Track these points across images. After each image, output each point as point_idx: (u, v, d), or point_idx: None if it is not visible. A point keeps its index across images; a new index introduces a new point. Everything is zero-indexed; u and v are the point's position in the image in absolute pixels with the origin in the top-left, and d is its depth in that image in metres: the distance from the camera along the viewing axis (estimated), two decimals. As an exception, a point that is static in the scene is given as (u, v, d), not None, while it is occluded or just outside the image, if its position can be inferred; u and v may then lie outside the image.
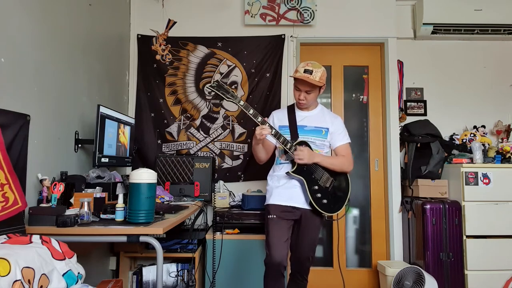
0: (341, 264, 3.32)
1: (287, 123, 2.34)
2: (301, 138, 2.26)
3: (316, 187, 2.22)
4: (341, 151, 2.36)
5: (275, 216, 2.22)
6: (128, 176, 2.02)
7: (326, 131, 2.33)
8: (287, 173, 2.23)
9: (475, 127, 3.41)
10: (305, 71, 2.17)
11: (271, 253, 2.13)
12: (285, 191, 2.26)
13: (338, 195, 2.31)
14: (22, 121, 1.72)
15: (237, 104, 2.16)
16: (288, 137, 2.26)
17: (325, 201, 2.23)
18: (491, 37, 3.47)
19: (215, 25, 3.35)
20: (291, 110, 2.39)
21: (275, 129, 2.19)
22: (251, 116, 2.17)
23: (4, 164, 1.48)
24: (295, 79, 2.24)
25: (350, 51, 3.49)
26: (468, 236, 2.88)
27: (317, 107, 2.40)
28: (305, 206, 2.24)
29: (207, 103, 3.28)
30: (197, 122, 3.28)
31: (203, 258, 2.80)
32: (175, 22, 3.24)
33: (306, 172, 2.22)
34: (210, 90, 2.15)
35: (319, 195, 2.22)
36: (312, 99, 2.27)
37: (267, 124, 2.15)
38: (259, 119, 2.17)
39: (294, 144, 2.20)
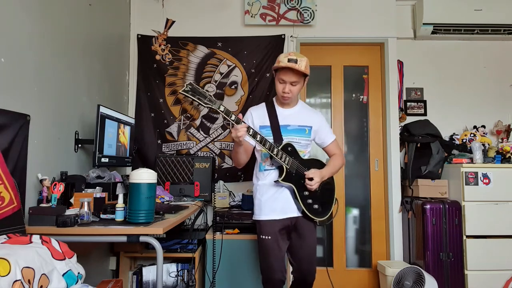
0: (341, 264, 3.33)
1: (268, 123, 2.14)
2: (285, 139, 2.09)
3: (307, 193, 2.10)
4: (333, 149, 2.27)
5: (270, 238, 2.06)
6: (128, 176, 2.02)
7: (309, 129, 2.18)
8: (276, 181, 2.07)
9: (475, 127, 3.41)
10: (289, 60, 2.01)
11: (271, 276, 2.07)
12: (276, 203, 2.09)
13: (327, 197, 2.21)
14: (22, 121, 1.72)
15: (217, 110, 1.89)
16: (270, 138, 2.07)
17: (316, 206, 2.12)
18: (491, 37, 3.47)
19: (215, 25, 3.35)
20: (271, 107, 2.19)
21: (259, 135, 1.98)
22: (232, 122, 1.92)
23: None
24: (278, 71, 2.08)
25: (350, 51, 3.49)
26: (468, 236, 2.88)
27: (298, 103, 2.24)
28: (299, 214, 2.12)
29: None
30: (197, 122, 3.28)
31: (203, 258, 2.80)
32: (173, 22, 3.24)
33: (295, 178, 2.07)
34: (184, 96, 1.86)
35: (310, 201, 2.10)
36: (296, 92, 2.11)
37: (244, 124, 1.91)
38: (233, 117, 1.91)
39: (279, 148, 2.02)
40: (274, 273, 2.08)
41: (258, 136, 1.97)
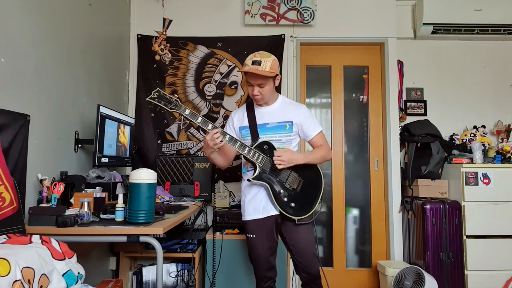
0: (341, 264, 3.33)
1: (247, 123, 2.14)
2: (263, 138, 2.08)
3: (282, 191, 2.05)
4: (317, 142, 2.18)
5: (254, 236, 2.11)
6: (128, 176, 2.02)
7: (290, 124, 2.13)
8: (249, 180, 2.06)
9: (475, 127, 3.41)
10: (253, 62, 2.00)
11: (256, 269, 2.16)
12: (258, 203, 2.10)
13: (308, 195, 2.10)
14: (22, 121, 1.72)
15: (182, 114, 1.97)
16: (248, 139, 2.11)
17: (293, 204, 2.05)
18: (491, 37, 3.47)
19: (215, 25, 3.35)
20: (250, 108, 2.18)
21: (229, 135, 1.99)
22: (199, 125, 1.98)
23: None
24: (245, 74, 2.06)
25: (350, 51, 3.49)
26: (468, 236, 2.88)
27: (277, 100, 2.19)
28: (277, 211, 2.09)
29: (207, 103, 3.28)
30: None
31: (203, 258, 2.80)
32: (170, 20, 3.24)
33: (269, 177, 2.04)
34: (152, 103, 1.98)
35: (285, 199, 2.05)
36: (268, 93, 2.06)
37: (220, 131, 1.95)
38: (209, 126, 1.97)
39: (252, 147, 2.02)
40: (258, 269, 2.14)
41: (227, 136, 1.99)
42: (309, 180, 2.13)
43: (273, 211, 2.09)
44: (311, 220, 2.12)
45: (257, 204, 2.11)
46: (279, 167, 2.00)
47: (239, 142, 2.01)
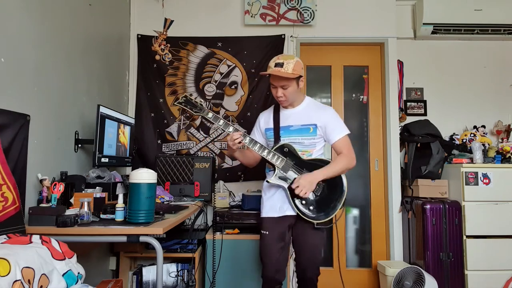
0: (341, 264, 3.33)
1: (272, 125, 2.18)
2: (285, 140, 2.11)
3: None
4: (340, 148, 2.13)
5: (267, 233, 2.13)
6: (128, 176, 2.02)
7: (314, 127, 2.12)
8: (267, 181, 2.11)
9: (475, 127, 3.41)
10: (276, 65, 2.04)
11: (264, 270, 2.13)
12: (275, 202, 2.13)
13: (330, 199, 2.08)
14: (22, 121, 1.72)
15: (205, 117, 2.10)
16: (272, 141, 2.15)
17: (311, 207, 2.05)
18: (491, 37, 3.47)
19: (215, 25, 3.35)
20: (276, 110, 2.22)
21: (249, 137, 2.08)
22: (221, 127, 2.11)
23: (0, 165, 1.47)
24: (269, 76, 2.10)
25: (350, 51, 3.49)
26: (468, 236, 2.88)
27: (302, 102, 2.19)
28: (294, 213, 2.09)
29: (207, 103, 3.28)
30: (197, 122, 3.27)
31: (203, 258, 2.80)
32: (172, 21, 3.24)
33: (288, 179, 2.06)
34: (179, 107, 2.15)
35: (303, 201, 2.05)
36: (291, 94, 2.08)
37: (240, 133, 2.04)
38: (230, 129, 2.07)
39: (272, 150, 2.07)
40: (267, 269, 2.12)
41: (248, 138, 2.08)
42: (331, 184, 2.10)
43: (289, 211, 2.11)
44: (331, 225, 2.12)
45: (274, 203, 2.14)
46: (305, 195, 2.00)
47: (258, 144, 2.07)
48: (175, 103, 2.17)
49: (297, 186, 1.99)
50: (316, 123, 2.12)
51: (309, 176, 2.02)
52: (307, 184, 1.99)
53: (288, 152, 2.09)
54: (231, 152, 2.18)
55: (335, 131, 2.13)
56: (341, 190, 2.11)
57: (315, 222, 2.05)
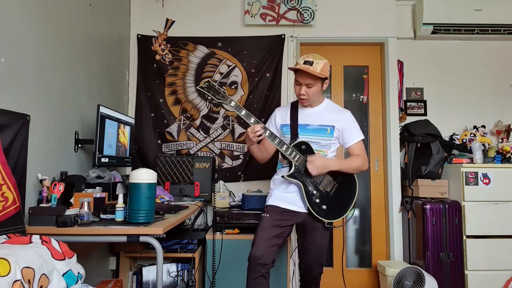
0: (341, 264, 3.33)
1: (289, 122, 2.19)
2: (302, 138, 2.12)
3: (315, 192, 2.09)
4: (355, 151, 2.17)
5: (267, 215, 2.12)
6: (128, 176, 2.02)
7: (331, 129, 2.15)
8: (283, 176, 2.10)
9: (475, 127, 3.41)
10: (305, 62, 2.03)
11: (252, 249, 2.07)
12: (286, 195, 2.14)
13: (341, 200, 2.13)
14: (22, 121, 1.72)
15: (228, 105, 2.09)
16: (288, 137, 2.16)
17: (324, 206, 2.08)
18: (491, 37, 3.47)
19: (215, 25, 3.35)
20: (294, 107, 2.23)
21: (269, 130, 2.08)
22: (243, 117, 2.10)
23: (0, 165, 1.47)
24: (295, 73, 2.12)
25: (350, 51, 3.49)
26: (468, 236, 2.88)
27: (322, 103, 2.22)
28: (305, 210, 2.11)
29: (207, 103, 3.28)
30: (197, 122, 3.28)
31: (203, 258, 2.80)
32: (173, 21, 3.25)
33: (303, 176, 2.08)
34: (201, 92, 2.11)
35: (317, 200, 2.08)
36: (314, 94, 2.10)
37: (261, 126, 2.03)
38: (252, 120, 2.07)
39: (290, 146, 2.08)
40: (253, 249, 2.05)
41: (268, 131, 2.06)
42: (344, 184, 2.15)
43: (299, 207, 2.11)
44: (341, 225, 2.14)
45: (284, 196, 2.15)
46: (313, 173, 2.04)
47: (278, 139, 2.08)
48: (197, 87, 2.13)
49: (312, 161, 2.03)
50: (334, 125, 2.16)
51: (325, 159, 2.10)
52: (320, 164, 2.05)
53: (305, 150, 2.11)
54: (249, 144, 2.16)
55: (353, 134, 2.18)
56: (353, 192, 2.17)
57: (326, 221, 2.08)
